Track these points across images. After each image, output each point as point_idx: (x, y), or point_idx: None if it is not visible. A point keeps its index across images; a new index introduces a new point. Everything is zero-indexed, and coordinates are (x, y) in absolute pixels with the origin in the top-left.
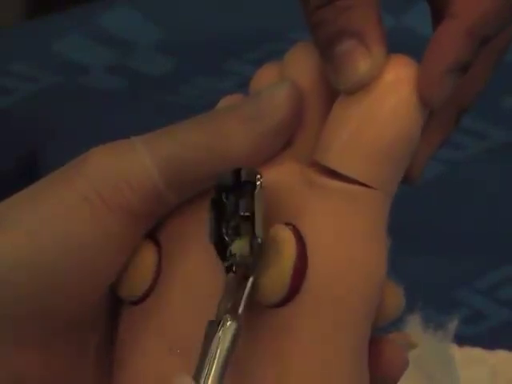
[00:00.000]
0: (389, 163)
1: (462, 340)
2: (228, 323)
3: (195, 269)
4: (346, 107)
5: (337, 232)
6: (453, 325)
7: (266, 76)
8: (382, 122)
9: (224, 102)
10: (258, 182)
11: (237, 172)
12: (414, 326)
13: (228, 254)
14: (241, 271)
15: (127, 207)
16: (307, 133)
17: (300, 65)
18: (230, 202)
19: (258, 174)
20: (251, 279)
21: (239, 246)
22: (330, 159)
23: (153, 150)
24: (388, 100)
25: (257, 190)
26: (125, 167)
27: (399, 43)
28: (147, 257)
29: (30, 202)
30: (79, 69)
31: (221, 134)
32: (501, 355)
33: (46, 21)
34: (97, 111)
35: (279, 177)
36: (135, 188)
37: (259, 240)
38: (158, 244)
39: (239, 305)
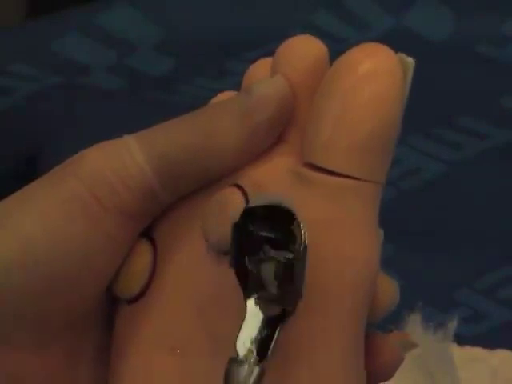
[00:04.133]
0: (373, 153)
1: (462, 340)
2: (254, 366)
3: (190, 267)
4: (324, 100)
5: (327, 227)
6: (453, 325)
7: (257, 72)
8: (362, 112)
9: (217, 100)
10: (303, 234)
11: (273, 208)
12: (413, 326)
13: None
14: (267, 306)
15: (121, 206)
16: (298, 128)
17: (291, 60)
18: (257, 232)
19: (303, 224)
20: (281, 326)
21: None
22: (314, 156)
23: (146, 149)
24: (366, 88)
25: (303, 244)
26: (118, 166)
27: (399, 43)
28: (142, 255)
29: (24, 203)
30: (79, 69)
31: (213, 130)
32: (501, 355)
33: (46, 21)
34: (97, 111)
35: (270, 173)
36: (129, 187)
37: (302, 297)
38: (152, 242)
39: (268, 347)
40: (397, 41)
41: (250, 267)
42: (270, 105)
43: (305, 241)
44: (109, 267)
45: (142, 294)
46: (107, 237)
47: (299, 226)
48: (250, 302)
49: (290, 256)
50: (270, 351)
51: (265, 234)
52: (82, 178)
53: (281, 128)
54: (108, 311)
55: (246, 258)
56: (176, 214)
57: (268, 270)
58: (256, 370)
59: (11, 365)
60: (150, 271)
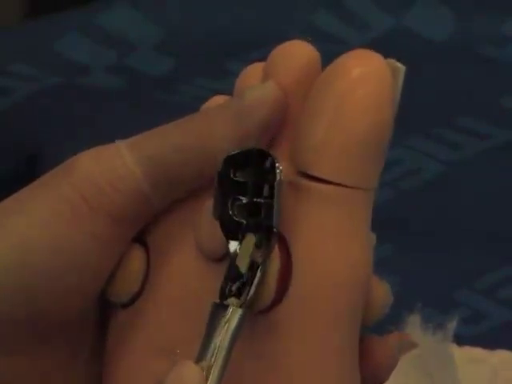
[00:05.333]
0: (365, 158)
1: (461, 340)
2: (234, 308)
3: (183, 271)
4: (317, 104)
5: (318, 234)
6: (452, 325)
7: (250, 76)
8: (351, 119)
9: (210, 103)
10: (279, 170)
11: (250, 152)
12: (413, 326)
13: (239, 236)
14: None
15: (111, 209)
16: (290, 133)
17: (284, 62)
18: (239, 180)
19: (277, 161)
20: (260, 267)
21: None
22: (303, 163)
23: (137, 152)
24: (355, 94)
25: (278, 179)
26: (108, 169)
27: (399, 43)
28: (135, 260)
29: (22, 204)
30: (79, 69)
31: (205, 134)
32: (501, 355)
33: (46, 21)
34: (97, 111)
35: None
36: (118, 188)
37: (275, 230)
38: (146, 246)
39: (248, 290)
40: (397, 41)
41: (232, 214)
42: (263, 108)
43: (280, 176)
44: (100, 269)
45: (135, 298)
46: (96, 238)
47: (273, 162)
48: (235, 255)
49: (267, 194)
50: (251, 293)
51: (245, 179)
52: (72, 180)
53: (273, 132)
54: (102, 315)
55: (229, 204)
56: (169, 219)
57: (247, 214)
58: (238, 312)
59: (5, 365)
60: (143, 276)
